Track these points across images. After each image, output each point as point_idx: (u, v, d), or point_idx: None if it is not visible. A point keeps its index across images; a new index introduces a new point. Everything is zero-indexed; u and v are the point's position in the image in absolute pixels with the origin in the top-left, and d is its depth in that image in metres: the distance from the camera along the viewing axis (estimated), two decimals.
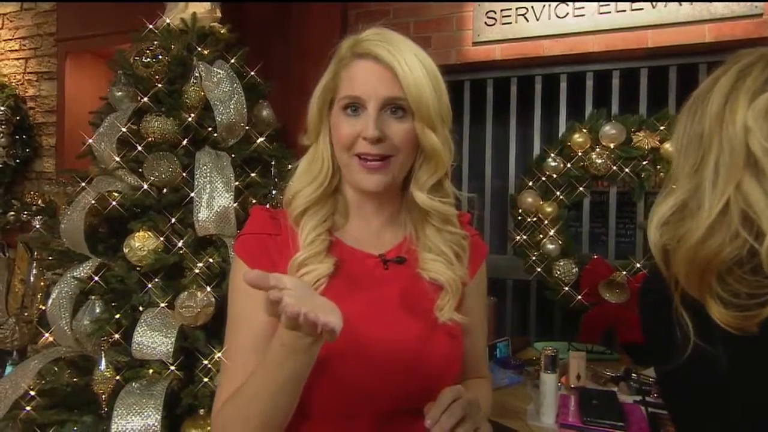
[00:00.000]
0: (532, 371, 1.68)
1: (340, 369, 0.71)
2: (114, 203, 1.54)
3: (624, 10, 2.09)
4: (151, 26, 1.74)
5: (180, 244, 1.54)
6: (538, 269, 2.18)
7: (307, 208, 0.77)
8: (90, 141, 1.67)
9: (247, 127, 1.74)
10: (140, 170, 1.60)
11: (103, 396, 1.40)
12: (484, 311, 0.89)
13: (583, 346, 1.87)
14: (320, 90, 0.79)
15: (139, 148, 1.60)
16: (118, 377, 1.42)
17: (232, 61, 1.77)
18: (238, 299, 0.76)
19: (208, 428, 1.39)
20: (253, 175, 1.73)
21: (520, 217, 2.25)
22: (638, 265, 2.03)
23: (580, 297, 2.08)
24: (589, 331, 2.06)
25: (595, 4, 2.12)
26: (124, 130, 1.60)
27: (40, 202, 2.87)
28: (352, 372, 0.71)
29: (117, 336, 1.47)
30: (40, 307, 1.66)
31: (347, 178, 0.79)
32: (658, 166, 2.05)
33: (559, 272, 2.12)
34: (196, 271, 1.49)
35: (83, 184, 1.63)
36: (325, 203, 0.79)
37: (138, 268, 1.53)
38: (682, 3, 2.01)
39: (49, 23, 3.13)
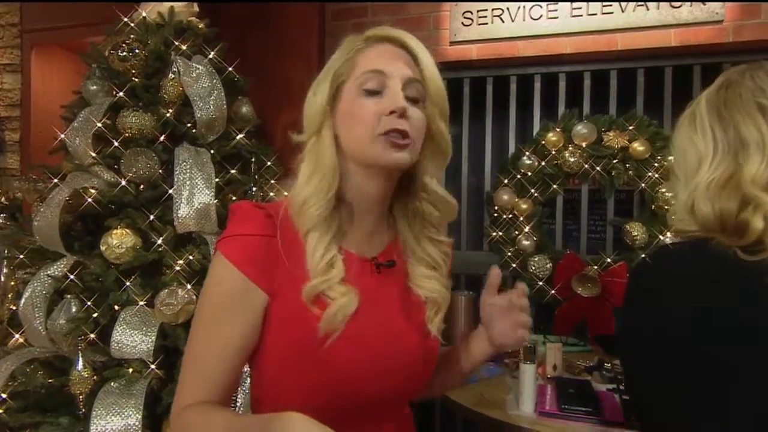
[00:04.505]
0: (510, 363, 1.73)
1: (349, 378, 0.71)
2: (90, 200, 1.51)
3: (595, 14, 2.16)
4: (126, 19, 1.70)
5: (159, 242, 1.52)
6: (514, 265, 2.24)
7: (318, 223, 0.71)
8: (63, 136, 1.62)
9: (226, 123, 1.72)
10: (117, 166, 1.57)
11: (81, 397, 1.38)
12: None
13: (556, 339, 1.93)
14: (330, 77, 0.73)
15: (116, 143, 1.57)
16: (95, 377, 1.40)
17: (211, 56, 1.75)
18: (217, 303, 0.70)
19: None
20: (233, 171, 1.72)
21: (495, 214, 2.30)
22: (608, 260, 2.11)
23: (553, 291, 2.15)
24: (562, 324, 2.13)
25: (568, 5, 2.18)
26: (99, 125, 1.56)
27: (3, 199, 2.75)
28: (359, 380, 0.72)
29: (93, 336, 1.45)
30: (11, 307, 1.60)
31: (368, 160, 0.72)
32: (627, 165, 2.13)
33: (533, 267, 2.18)
34: (177, 268, 1.47)
35: (55, 180, 1.59)
36: (333, 219, 0.73)
37: (114, 266, 1.50)
38: (650, 8, 2.10)
39: (12, 13, 2.99)
